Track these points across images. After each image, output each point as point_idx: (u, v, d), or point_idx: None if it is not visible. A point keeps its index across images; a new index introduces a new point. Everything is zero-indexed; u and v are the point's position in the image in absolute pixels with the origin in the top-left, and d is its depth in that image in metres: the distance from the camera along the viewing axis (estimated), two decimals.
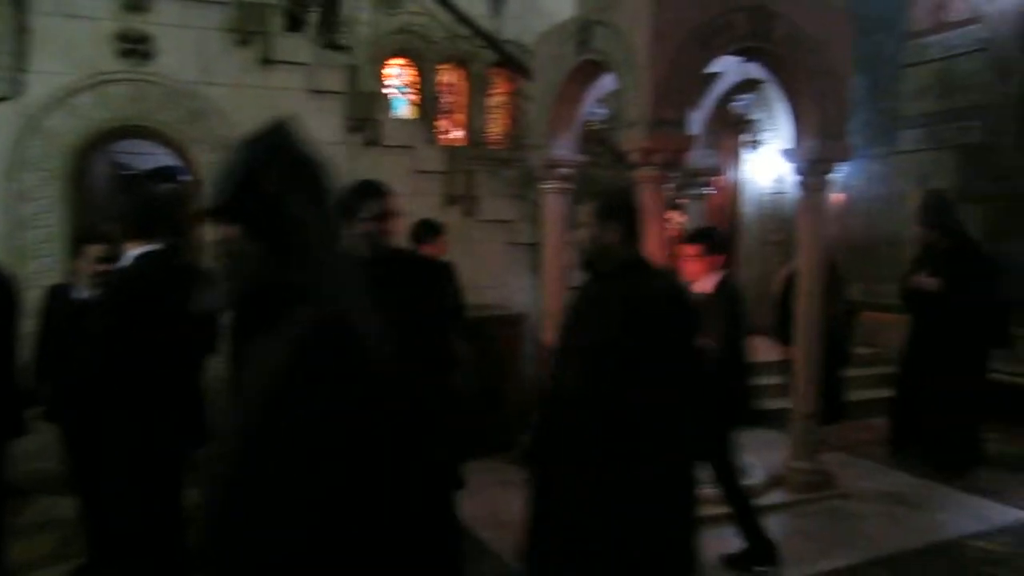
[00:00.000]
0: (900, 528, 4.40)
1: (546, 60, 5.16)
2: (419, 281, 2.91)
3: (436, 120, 8.14)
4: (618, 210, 2.52)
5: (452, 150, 6.67)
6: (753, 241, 9.38)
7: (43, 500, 4.50)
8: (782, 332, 5.57)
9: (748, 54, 4.59)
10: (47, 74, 5.25)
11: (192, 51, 5.67)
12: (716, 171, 6.02)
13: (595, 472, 2.30)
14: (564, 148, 5.18)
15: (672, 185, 5.64)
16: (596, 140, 6.67)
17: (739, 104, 5.30)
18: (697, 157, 5.56)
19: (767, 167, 9.12)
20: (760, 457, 5.19)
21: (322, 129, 6.03)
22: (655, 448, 2.28)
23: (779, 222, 8.97)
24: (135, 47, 5.52)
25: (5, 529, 3.39)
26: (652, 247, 4.26)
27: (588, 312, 2.53)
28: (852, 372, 6.15)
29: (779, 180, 8.91)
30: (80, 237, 3.98)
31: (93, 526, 3.52)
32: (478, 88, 8.65)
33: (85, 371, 3.12)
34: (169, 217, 3.41)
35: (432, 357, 2.83)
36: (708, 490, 4.60)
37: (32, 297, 3.94)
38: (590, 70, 4.80)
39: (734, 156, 9.46)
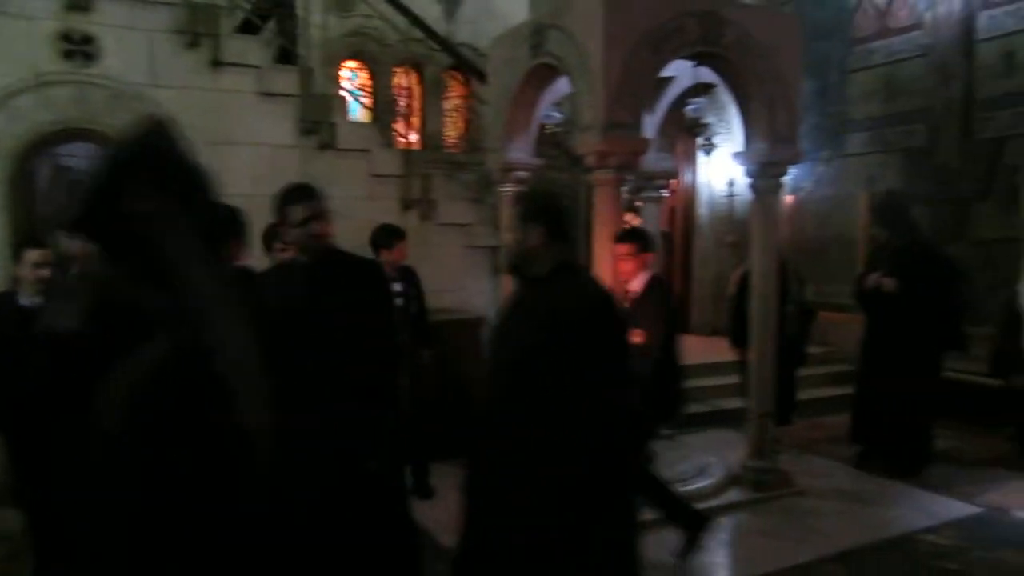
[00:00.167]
0: (854, 524, 4.48)
1: (501, 64, 5.15)
2: (356, 285, 2.80)
3: (392, 123, 8.08)
4: (541, 212, 2.42)
5: (408, 154, 6.63)
6: (708, 243, 9.52)
7: None
8: (737, 333, 5.65)
9: (700, 59, 4.65)
10: None
11: (139, 53, 5.53)
12: (671, 174, 6.08)
13: (523, 481, 2.23)
14: (520, 151, 5.18)
15: (628, 188, 5.70)
16: (552, 143, 6.69)
17: (692, 108, 5.34)
18: (652, 160, 5.62)
19: (721, 170, 9.26)
20: (718, 456, 5.26)
21: (274, 132, 5.95)
22: (583, 459, 2.21)
23: (733, 224, 9.11)
24: (78, 48, 5.37)
25: None
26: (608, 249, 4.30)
27: (515, 319, 2.46)
28: (805, 371, 6.25)
29: (732, 183, 9.06)
30: (19, 242, 3.85)
31: (41, 539, 3.39)
32: (433, 91, 8.62)
33: (39, 379, 3.01)
34: None
35: (376, 361, 2.75)
36: (676, 489, 4.69)
37: None
38: (545, 73, 4.81)
39: (688, 159, 9.59)
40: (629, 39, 4.11)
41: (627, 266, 4.05)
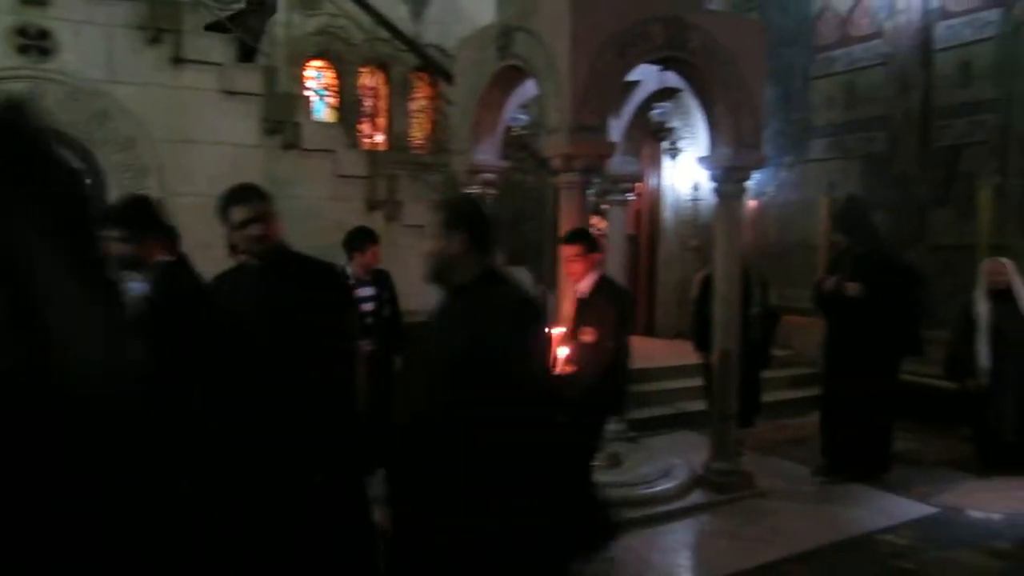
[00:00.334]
0: (815, 525, 4.53)
1: (468, 65, 5.13)
2: (308, 286, 2.73)
3: (357, 124, 8.01)
4: (463, 219, 2.36)
5: (374, 154, 6.58)
6: (673, 247, 9.59)
7: None
8: (700, 336, 5.69)
9: (665, 63, 4.68)
10: None
11: (97, 48, 5.42)
12: (637, 178, 6.12)
13: (447, 495, 2.18)
14: (487, 153, 5.17)
15: (594, 191, 5.72)
16: (519, 145, 6.70)
17: (657, 112, 5.38)
18: (618, 164, 5.64)
19: (686, 174, 9.34)
20: (681, 458, 5.29)
21: (237, 131, 5.86)
22: (506, 467, 2.15)
23: (697, 228, 9.19)
24: (34, 43, 5.24)
25: None
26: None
27: (440, 330, 2.41)
28: (768, 374, 6.32)
29: (697, 187, 9.14)
30: None
31: None
32: (399, 92, 8.56)
33: None
34: None
35: (329, 365, 2.67)
36: (641, 491, 4.72)
37: None
38: (512, 75, 4.80)
39: (654, 163, 9.66)
40: (595, 42, 4.13)
41: (575, 267, 4.04)
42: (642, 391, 6.92)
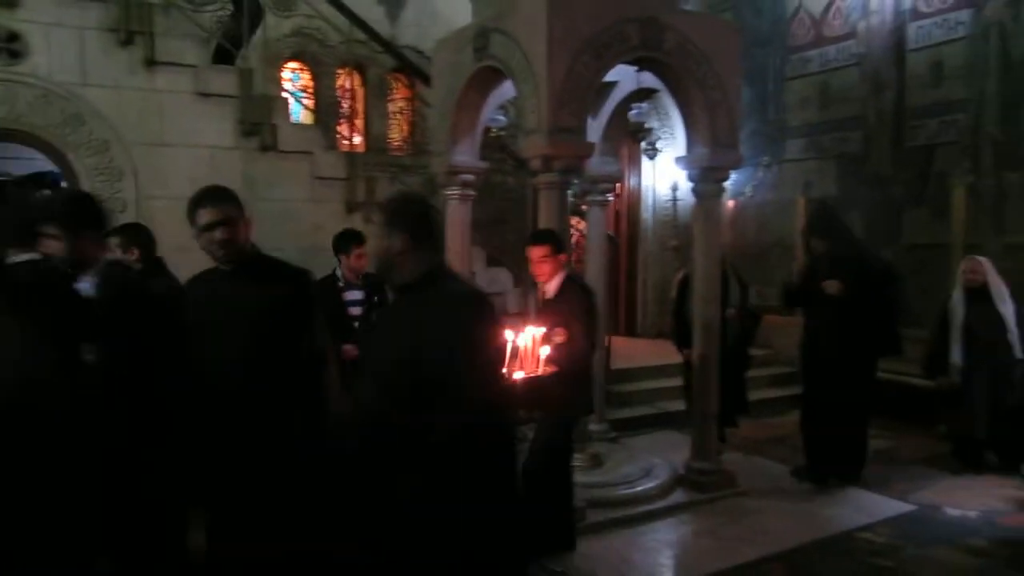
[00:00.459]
0: (795, 523, 4.56)
1: (445, 66, 5.12)
2: (275, 289, 2.69)
3: (335, 126, 7.96)
4: (401, 217, 2.33)
5: (352, 156, 6.53)
6: (652, 247, 9.63)
7: None
8: (680, 335, 5.71)
9: (641, 64, 4.69)
10: None
11: (68, 50, 5.35)
12: (616, 178, 6.13)
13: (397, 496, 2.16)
14: (465, 155, 5.15)
15: (573, 192, 5.72)
16: (497, 147, 6.69)
17: (635, 113, 5.39)
18: (597, 164, 5.65)
19: (665, 174, 9.39)
20: (662, 458, 5.31)
21: (213, 134, 5.81)
22: (462, 472, 2.13)
23: (676, 228, 9.24)
24: (4, 46, 5.17)
25: None
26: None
27: (383, 330, 2.37)
28: (748, 373, 6.33)
29: (676, 187, 9.19)
30: None
31: None
32: (377, 94, 8.53)
33: None
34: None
35: (293, 368, 2.63)
36: (622, 491, 4.73)
37: None
38: (489, 76, 4.79)
39: (633, 164, 9.70)
40: (572, 44, 4.13)
41: (544, 268, 3.99)
42: (623, 391, 6.95)
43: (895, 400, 6.58)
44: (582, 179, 5.80)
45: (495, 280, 6.74)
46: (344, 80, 8.28)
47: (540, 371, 3.28)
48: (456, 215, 5.31)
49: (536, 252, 3.98)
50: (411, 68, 7.44)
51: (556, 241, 4.02)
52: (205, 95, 5.77)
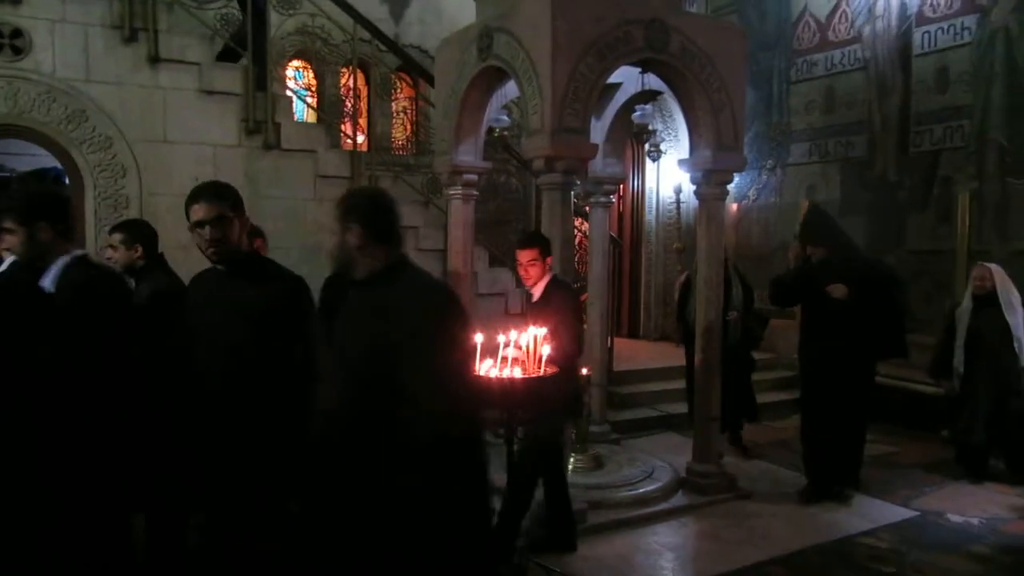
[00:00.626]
0: (796, 527, 4.54)
1: (449, 66, 5.11)
2: (261, 292, 2.59)
3: (338, 124, 7.96)
4: (357, 211, 2.27)
5: (355, 155, 6.52)
6: (656, 249, 9.61)
7: None
8: (685, 336, 5.68)
9: (646, 66, 4.69)
10: None
11: (72, 47, 5.34)
12: (619, 180, 6.12)
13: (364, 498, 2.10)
14: (469, 154, 5.15)
15: (577, 193, 5.71)
16: (501, 146, 6.68)
17: (638, 114, 5.38)
18: (600, 166, 5.65)
19: (669, 176, 9.37)
20: (664, 460, 5.29)
21: (216, 131, 5.80)
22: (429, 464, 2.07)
23: (680, 230, 9.22)
24: (7, 42, 5.16)
25: None
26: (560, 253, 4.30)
27: (344, 327, 2.30)
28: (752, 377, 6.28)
29: (679, 189, 9.17)
30: None
31: None
32: (380, 92, 8.52)
33: None
34: None
35: (273, 376, 2.53)
36: (623, 493, 4.71)
37: None
38: (493, 76, 4.79)
39: (637, 165, 9.69)
40: (576, 44, 4.12)
41: (532, 271, 3.96)
42: (625, 393, 6.94)
43: (898, 406, 6.57)
44: (585, 180, 5.79)
45: (497, 280, 6.72)
46: (348, 79, 8.28)
47: (542, 372, 3.27)
48: (459, 215, 5.30)
49: (525, 255, 3.94)
50: (415, 67, 7.43)
51: (544, 244, 4.00)
52: (209, 92, 5.76)
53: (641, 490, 4.80)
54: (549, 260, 4.01)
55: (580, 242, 7.74)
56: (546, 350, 3.23)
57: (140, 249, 3.64)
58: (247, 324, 2.51)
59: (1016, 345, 5.24)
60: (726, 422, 5.58)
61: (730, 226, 8.13)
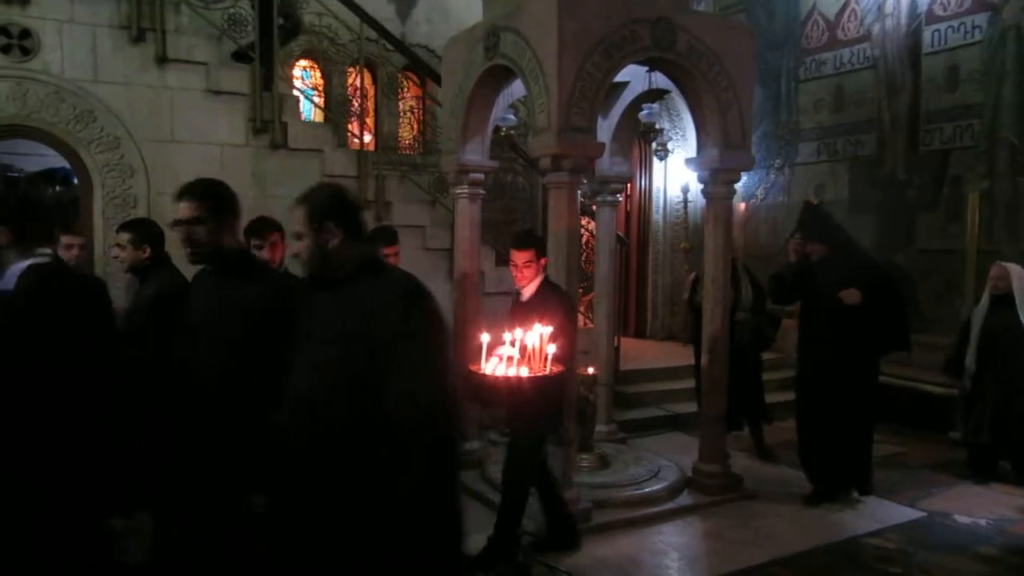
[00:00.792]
0: (803, 528, 4.52)
1: (455, 65, 5.11)
2: (241, 294, 2.51)
3: (345, 124, 7.97)
4: (330, 210, 2.17)
5: (362, 154, 6.52)
6: (663, 248, 9.59)
7: None
8: (696, 334, 5.64)
9: (653, 64, 4.67)
10: None
11: (80, 47, 5.37)
12: (626, 179, 6.11)
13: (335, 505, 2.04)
14: (476, 153, 5.14)
15: (583, 192, 5.70)
16: (508, 145, 6.67)
17: (645, 113, 5.36)
18: (607, 164, 5.63)
19: (676, 175, 9.35)
20: (671, 460, 5.28)
21: (224, 131, 5.83)
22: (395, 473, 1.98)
23: (687, 230, 9.20)
24: (16, 42, 5.19)
25: None
26: (567, 252, 4.29)
27: (314, 332, 2.18)
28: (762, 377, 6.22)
29: (687, 189, 9.15)
30: None
31: None
32: (387, 92, 8.54)
33: None
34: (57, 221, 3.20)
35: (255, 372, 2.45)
36: (629, 493, 4.70)
37: None
38: (499, 75, 4.78)
39: (644, 164, 9.67)
40: (583, 43, 4.11)
41: (527, 273, 3.93)
42: (632, 392, 6.93)
43: (905, 406, 6.53)
44: (592, 179, 5.78)
45: (504, 279, 6.70)
46: (355, 78, 8.29)
47: (548, 370, 3.28)
48: (466, 214, 5.30)
49: (520, 256, 3.91)
50: (422, 66, 7.44)
51: (540, 245, 3.99)
52: (216, 92, 5.78)
53: (647, 489, 4.79)
54: (543, 261, 4.00)
55: (587, 241, 7.72)
56: (551, 349, 3.24)
57: (148, 249, 3.66)
58: (236, 323, 2.47)
59: None
60: (734, 422, 5.57)
61: (738, 225, 8.09)
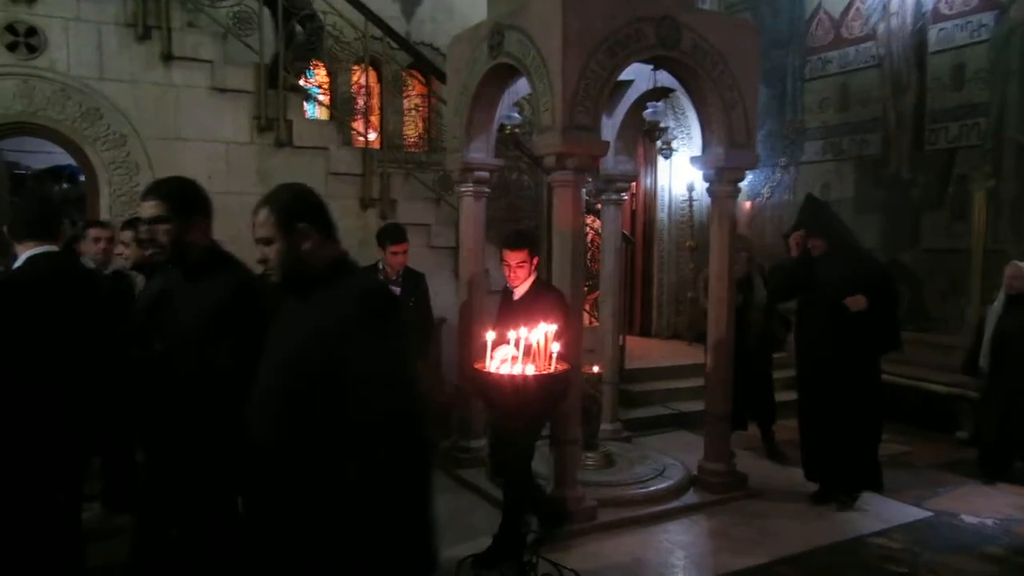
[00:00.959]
0: (807, 527, 4.51)
1: (460, 63, 5.11)
2: (207, 296, 2.44)
3: (350, 122, 7.98)
4: (305, 210, 2.09)
5: (367, 152, 6.53)
6: (668, 247, 9.58)
7: None
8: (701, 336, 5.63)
9: (657, 63, 4.67)
10: None
11: (86, 45, 5.38)
12: (631, 177, 6.10)
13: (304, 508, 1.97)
14: (480, 151, 5.14)
15: (588, 190, 5.69)
16: (512, 143, 6.67)
17: (650, 112, 5.35)
18: (612, 163, 5.63)
19: (681, 174, 9.33)
20: (676, 458, 5.28)
21: (229, 129, 5.83)
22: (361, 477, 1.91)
23: (692, 228, 9.18)
24: (23, 40, 5.20)
25: None
26: (571, 251, 4.29)
27: (283, 338, 2.08)
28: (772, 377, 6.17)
29: (692, 187, 9.13)
30: None
31: None
32: (392, 90, 8.54)
33: None
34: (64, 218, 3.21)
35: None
36: (634, 491, 4.70)
37: None
38: (504, 73, 4.78)
39: (649, 163, 9.65)
40: (587, 41, 4.10)
41: (521, 273, 3.91)
42: (637, 391, 6.92)
43: (911, 405, 6.52)
44: (597, 178, 5.78)
45: None
46: (359, 76, 8.30)
47: (553, 369, 3.27)
48: (470, 212, 5.30)
49: (514, 256, 3.89)
50: (426, 65, 7.44)
51: (533, 245, 3.99)
52: (221, 90, 5.79)
53: (652, 488, 4.79)
54: (536, 261, 3.99)
55: (592, 240, 7.72)
56: (555, 347, 3.23)
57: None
58: (198, 322, 2.41)
59: None
60: (739, 422, 5.56)
61: (743, 224, 8.09)
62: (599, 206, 6.11)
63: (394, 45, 6.90)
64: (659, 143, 7.87)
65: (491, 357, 3.28)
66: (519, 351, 3.19)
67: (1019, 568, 4.04)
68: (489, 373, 3.23)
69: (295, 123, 6.10)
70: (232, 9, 6.41)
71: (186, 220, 2.49)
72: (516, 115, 5.59)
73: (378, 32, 6.67)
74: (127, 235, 3.99)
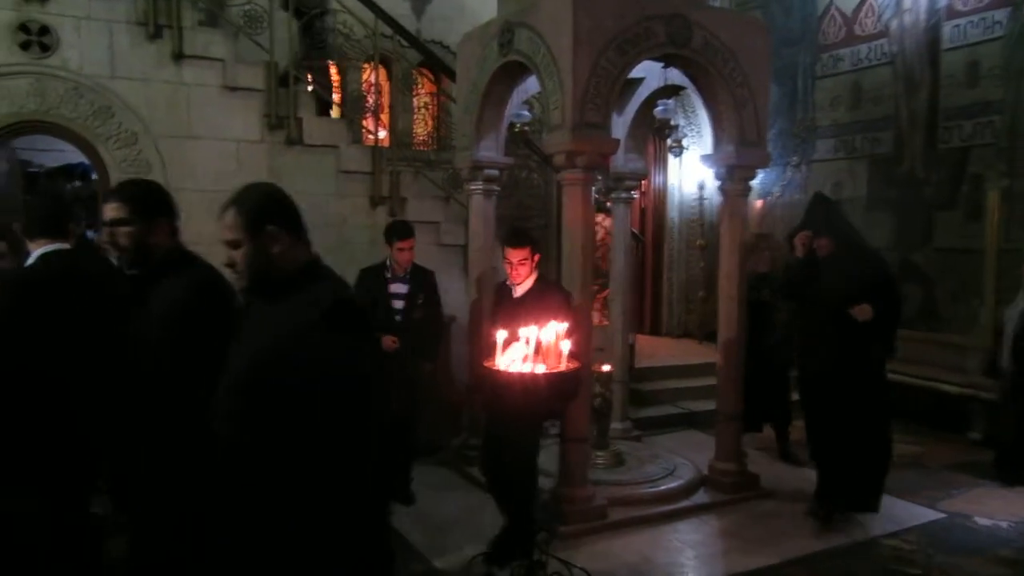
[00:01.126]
0: (819, 528, 4.47)
1: (470, 61, 5.10)
2: (163, 300, 2.38)
3: (360, 120, 7.99)
4: (275, 211, 1.99)
5: (377, 150, 6.53)
6: (678, 245, 9.55)
7: None
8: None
9: (668, 60, 4.65)
10: None
11: (98, 44, 5.40)
12: (641, 175, 6.08)
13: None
14: (490, 149, 5.14)
15: (598, 189, 5.68)
16: (522, 142, 6.66)
17: (660, 109, 5.33)
18: (622, 161, 5.61)
19: (692, 172, 9.30)
20: (687, 458, 5.26)
21: (240, 127, 5.85)
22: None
23: (703, 227, 9.15)
24: (35, 39, 5.23)
25: None
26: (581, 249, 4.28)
27: (247, 343, 1.99)
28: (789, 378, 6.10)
29: (703, 185, 9.10)
30: None
31: None
32: (402, 88, 8.54)
33: None
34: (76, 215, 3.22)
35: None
36: (644, 490, 4.69)
37: None
38: (514, 71, 4.77)
39: (659, 161, 9.62)
40: (597, 39, 4.09)
41: (523, 270, 3.88)
42: (647, 390, 6.91)
43: (923, 406, 6.47)
44: (607, 176, 5.76)
45: None
46: (369, 74, 8.30)
47: (564, 367, 3.27)
48: (480, 210, 5.30)
49: (516, 254, 3.88)
50: (436, 63, 7.44)
51: (535, 242, 3.97)
52: (232, 88, 5.80)
53: (662, 487, 4.78)
54: (537, 258, 3.98)
55: (602, 238, 7.70)
56: (566, 345, 3.22)
57: None
58: (156, 323, 2.38)
59: None
60: (752, 423, 5.53)
61: (754, 223, 8.05)
62: (609, 204, 6.10)
63: (404, 43, 6.91)
64: (669, 141, 7.81)
65: (502, 355, 3.27)
66: (529, 349, 3.19)
67: None
68: (499, 371, 3.23)
69: (305, 121, 6.11)
70: (243, 8, 6.43)
71: (149, 222, 2.47)
72: (526, 113, 5.58)
73: (388, 30, 6.67)
74: None
